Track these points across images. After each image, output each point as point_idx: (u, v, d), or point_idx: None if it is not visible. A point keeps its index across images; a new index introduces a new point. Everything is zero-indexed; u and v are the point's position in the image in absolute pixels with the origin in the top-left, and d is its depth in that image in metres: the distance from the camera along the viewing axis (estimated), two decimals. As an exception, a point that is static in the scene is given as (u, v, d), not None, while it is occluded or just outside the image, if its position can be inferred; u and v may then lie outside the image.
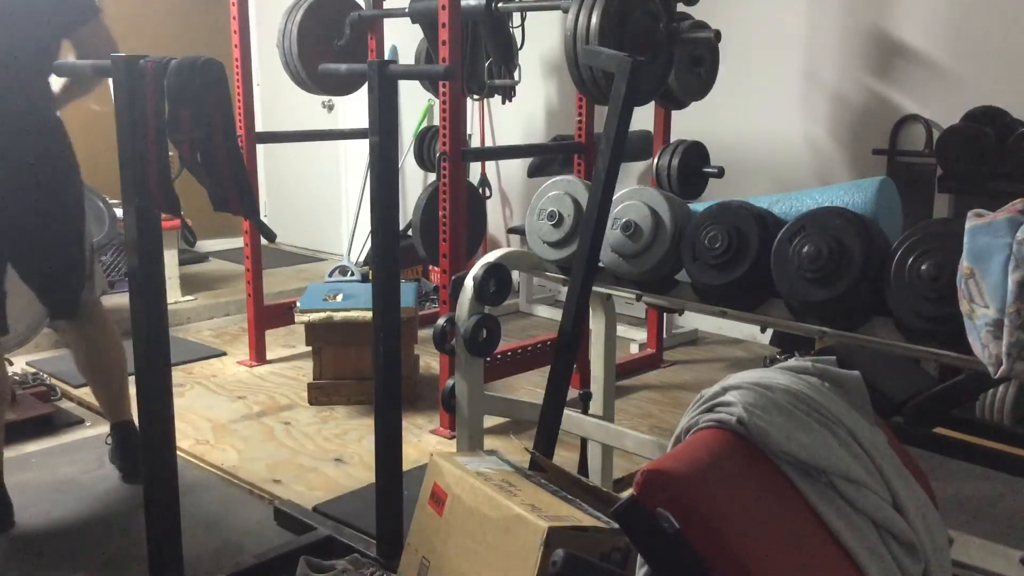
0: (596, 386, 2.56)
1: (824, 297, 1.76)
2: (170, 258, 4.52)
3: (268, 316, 4.06)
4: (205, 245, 5.97)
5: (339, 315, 3.45)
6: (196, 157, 1.82)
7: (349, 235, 5.76)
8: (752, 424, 1.31)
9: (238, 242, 4.42)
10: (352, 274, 5.05)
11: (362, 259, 5.51)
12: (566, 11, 2.79)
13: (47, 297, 2.68)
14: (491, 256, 2.27)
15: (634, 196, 2.08)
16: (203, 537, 2.50)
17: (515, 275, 2.46)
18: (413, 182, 5.60)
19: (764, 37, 4.20)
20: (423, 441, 3.17)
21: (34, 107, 2.54)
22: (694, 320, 4.50)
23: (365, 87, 2.05)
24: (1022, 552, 1.60)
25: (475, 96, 3.70)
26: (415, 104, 5.37)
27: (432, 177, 4.42)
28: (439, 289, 3.67)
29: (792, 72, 4.17)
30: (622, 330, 3.87)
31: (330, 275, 5.08)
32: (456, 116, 3.10)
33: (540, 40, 4.52)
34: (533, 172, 4.50)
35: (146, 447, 1.96)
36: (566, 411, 2.12)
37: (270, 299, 4.29)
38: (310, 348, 3.55)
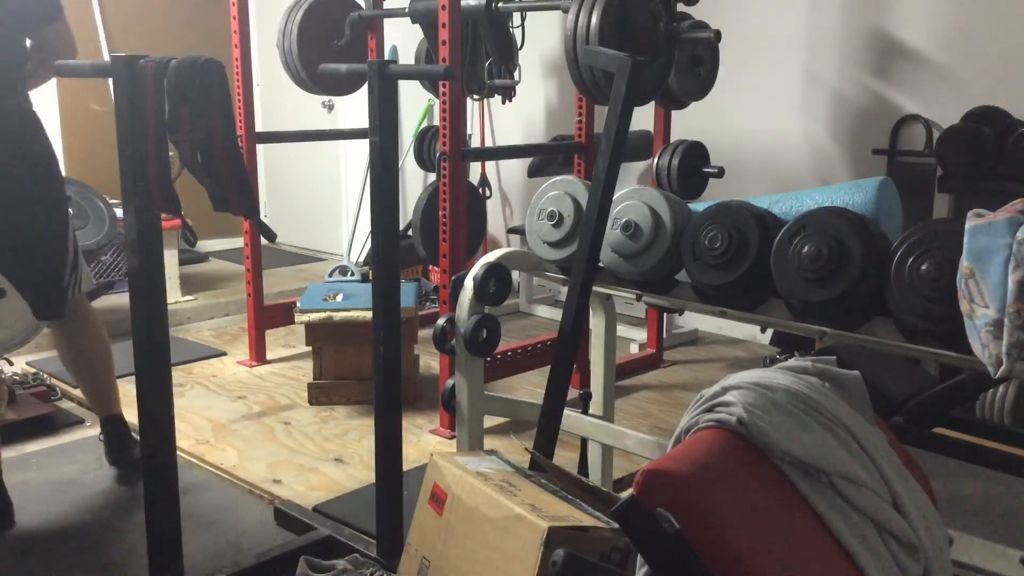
0: (596, 386, 2.56)
1: (824, 297, 1.76)
2: (170, 258, 4.52)
3: (268, 316, 4.06)
4: (205, 245, 5.97)
5: (339, 315, 3.45)
6: (196, 157, 1.82)
7: (349, 235, 5.76)
8: (752, 424, 1.31)
9: (238, 242, 4.42)
10: (352, 274, 5.05)
11: (362, 259, 5.51)
12: (566, 11, 2.79)
13: (33, 298, 2.67)
14: (491, 256, 2.27)
15: (634, 196, 2.08)
16: (203, 537, 2.50)
17: (515, 275, 2.46)
18: (413, 182, 5.60)
19: (764, 37, 4.20)
20: (423, 441, 3.17)
21: (18, 106, 2.53)
22: (694, 320, 4.50)
23: (365, 87, 2.05)
24: (1022, 552, 1.60)
25: (475, 96, 3.70)
26: (415, 104, 5.37)
27: (432, 177, 4.42)
28: (439, 289, 3.67)
29: (792, 72, 4.17)
30: (622, 330, 3.87)
31: (330, 275, 5.08)
32: (456, 116, 3.10)
33: (540, 40, 4.52)
34: (533, 172, 4.50)
35: (146, 447, 1.96)
36: (566, 411, 2.12)
37: (270, 299, 4.30)
38: (310, 348, 3.55)
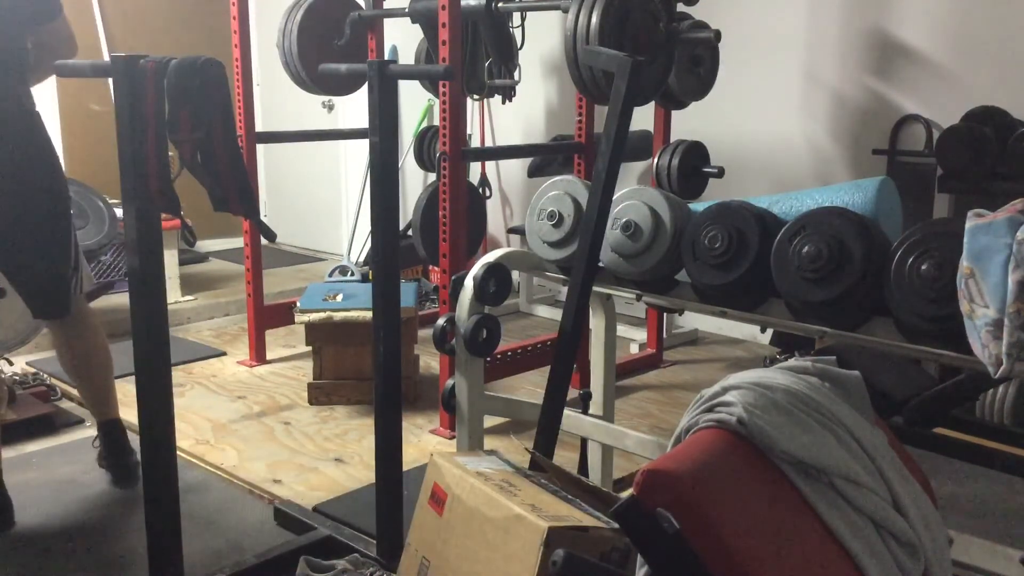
0: (596, 386, 2.56)
1: (824, 297, 1.76)
2: (170, 258, 4.52)
3: (268, 316, 4.06)
4: (205, 245, 5.97)
5: (339, 315, 3.45)
6: (196, 157, 1.82)
7: (349, 235, 5.76)
8: (752, 424, 1.31)
9: (238, 242, 4.42)
10: (352, 274, 5.05)
11: (362, 259, 5.51)
12: (566, 11, 2.79)
13: (36, 297, 2.66)
14: (491, 256, 2.27)
15: (634, 196, 2.08)
16: (203, 537, 2.50)
17: (515, 275, 2.46)
18: (413, 182, 5.60)
19: (764, 37, 4.20)
20: (423, 441, 3.17)
21: (19, 105, 2.53)
22: (694, 320, 4.50)
23: (365, 87, 2.05)
24: (1022, 552, 1.60)
25: (475, 96, 3.70)
26: (415, 104, 5.37)
27: (432, 177, 4.42)
28: (439, 289, 3.67)
29: (792, 72, 4.17)
30: (622, 330, 3.87)
31: (330, 275, 5.08)
32: (456, 116, 3.10)
33: (540, 40, 4.52)
34: (533, 172, 4.50)
35: (146, 447, 1.96)
36: (566, 411, 2.12)
37: (270, 299, 4.29)
38: (310, 348, 3.55)
